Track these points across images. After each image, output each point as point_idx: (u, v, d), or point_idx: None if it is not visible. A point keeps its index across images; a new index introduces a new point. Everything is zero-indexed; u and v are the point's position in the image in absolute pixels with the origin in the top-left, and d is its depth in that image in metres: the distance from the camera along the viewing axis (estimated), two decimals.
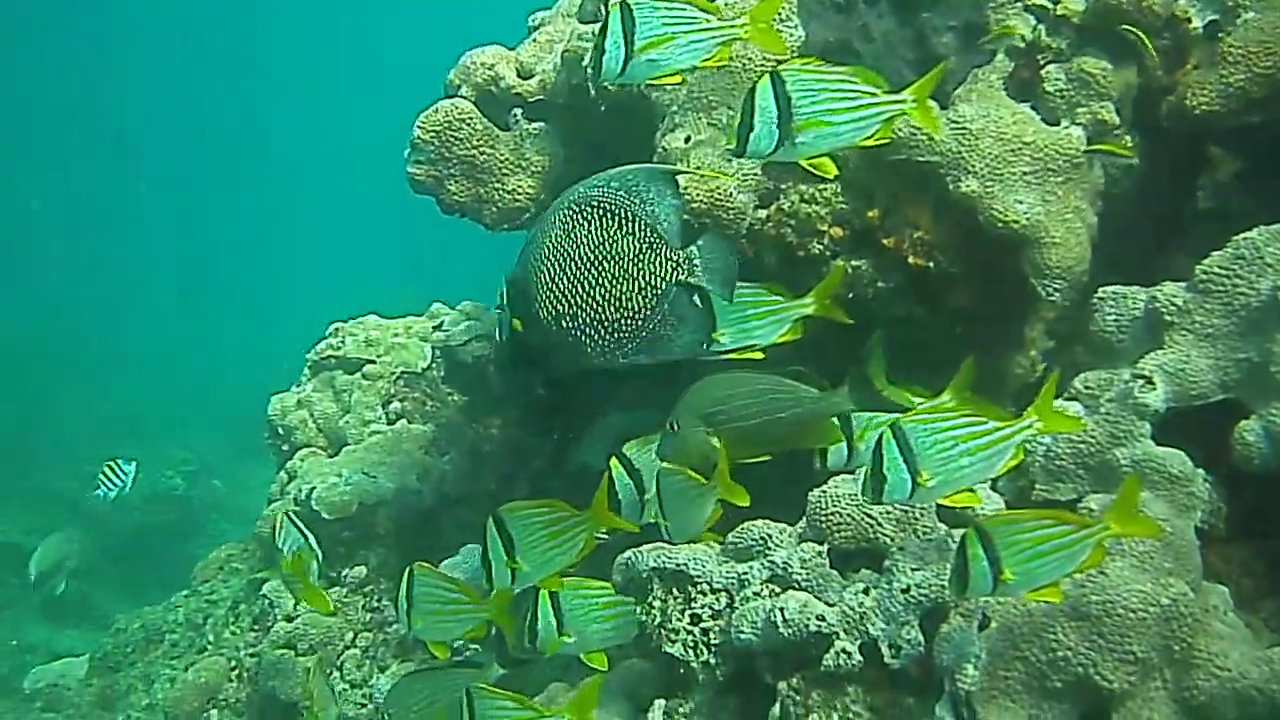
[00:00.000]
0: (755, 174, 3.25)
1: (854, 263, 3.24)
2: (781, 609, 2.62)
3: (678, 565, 2.89)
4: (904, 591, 2.58)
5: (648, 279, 2.80)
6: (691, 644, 2.84)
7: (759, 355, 2.96)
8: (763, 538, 2.83)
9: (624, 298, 2.80)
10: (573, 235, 2.80)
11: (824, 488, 2.84)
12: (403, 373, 5.19)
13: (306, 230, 22.90)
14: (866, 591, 2.63)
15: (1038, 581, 2.28)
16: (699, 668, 2.83)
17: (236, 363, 13.48)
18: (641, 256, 2.79)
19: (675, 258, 2.78)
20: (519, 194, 3.76)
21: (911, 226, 3.17)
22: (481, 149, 3.75)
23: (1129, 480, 2.37)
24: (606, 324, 2.81)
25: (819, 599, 2.65)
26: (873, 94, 2.57)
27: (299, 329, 6.52)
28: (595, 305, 2.81)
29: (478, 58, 3.87)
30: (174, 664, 5.09)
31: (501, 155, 3.76)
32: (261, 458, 6.64)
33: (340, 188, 23.47)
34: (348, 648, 4.53)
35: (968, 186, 3.05)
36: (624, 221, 2.79)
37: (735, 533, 2.92)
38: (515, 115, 3.79)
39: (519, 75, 3.81)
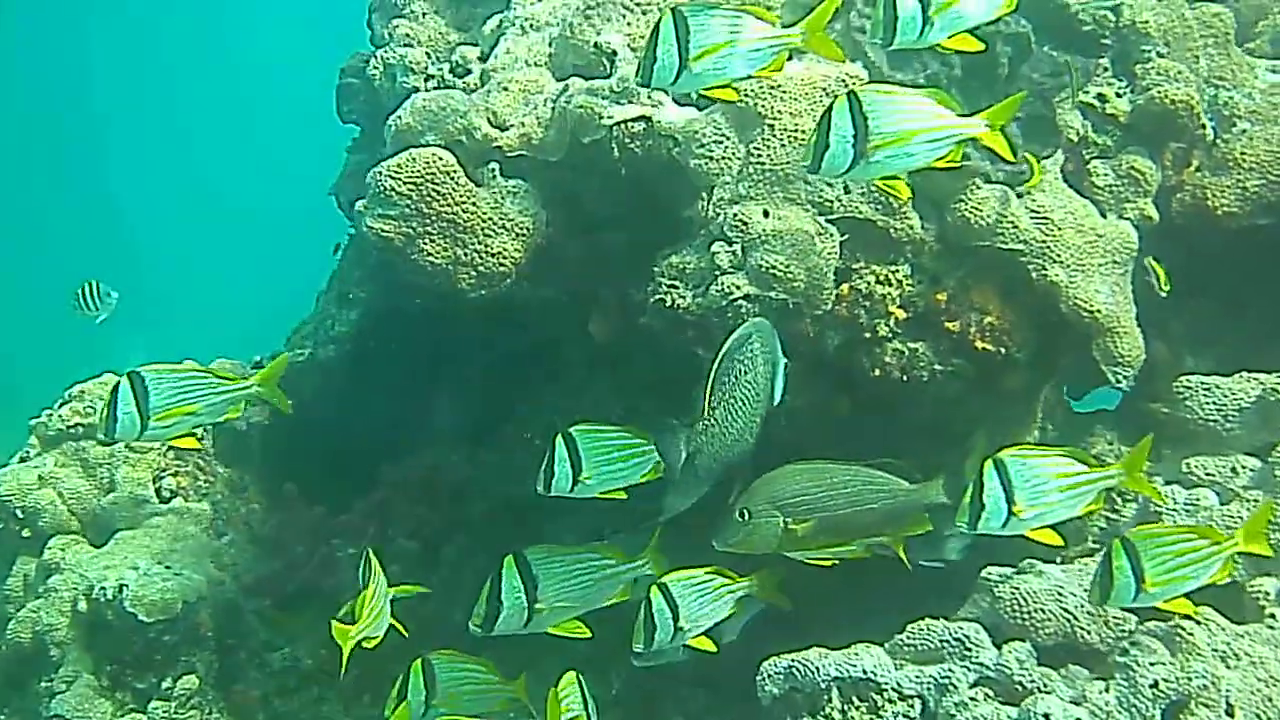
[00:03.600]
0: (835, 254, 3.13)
1: (911, 345, 3.21)
2: (1047, 713, 2.53)
3: (864, 672, 2.72)
4: (1152, 686, 2.57)
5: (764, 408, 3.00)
6: None
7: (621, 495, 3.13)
8: (957, 639, 2.72)
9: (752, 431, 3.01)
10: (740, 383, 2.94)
11: (1013, 583, 2.78)
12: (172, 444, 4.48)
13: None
14: (1106, 689, 2.60)
15: (1175, 592, 2.57)
16: None
17: None
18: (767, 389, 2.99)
19: None
20: (504, 256, 3.38)
21: (979, 311, 3.19)
22: (465, 206, 3.34)
23: (1265, 505, 2.69)
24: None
25: (1062, 701, 2.59)
26: (947, 116, 2.64)
27: None
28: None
29: (446, 102, 3.45)
30: None
31: (484, 213, 3.37)
32: None
33: None
34: None
35: (1055, 275, 3.12)
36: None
37: (908, 633, 2.79)
38: (493, 170, 3.41)
39: (491, 125, 3.43)
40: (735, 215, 3.11)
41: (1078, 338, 3.19)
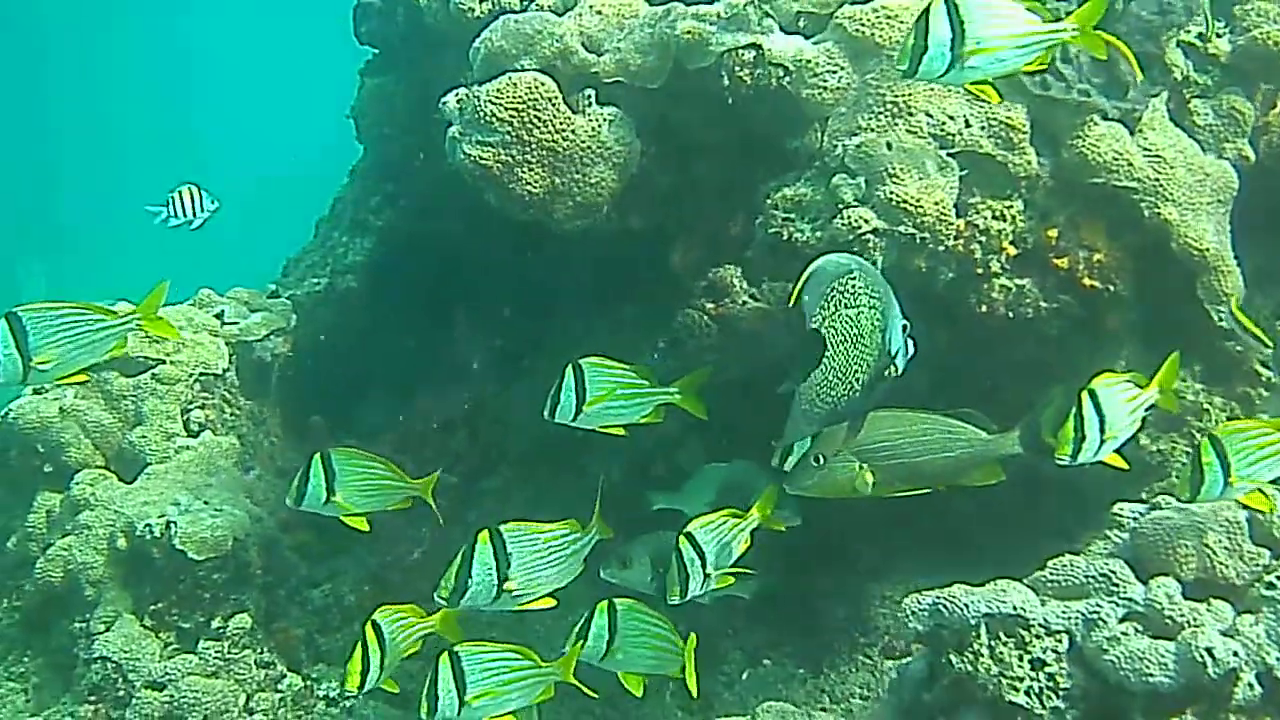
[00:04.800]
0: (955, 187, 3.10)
1: (1018, 281, 3.21)
2: (1210, 648, 2.56)
3: (1015, 608, 2.72)
4: None
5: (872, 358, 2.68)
6: (1036, 691, 2.69)
7: (620, 432, 3.18)
8: (1103, 574, 2.74)
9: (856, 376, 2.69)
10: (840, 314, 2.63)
11: (1154, 520, 2.80)
12: (201, 374, 4.31)
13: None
14: (1256, 623, 2.64)
15: (1256, 485, 2.65)
16: (1049, 714, 2.69)
17: None
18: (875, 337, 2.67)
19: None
20: (602, 186, 3.29)
21: (1087, 249, 3.20)
22: (564, 134, 3.25)
23: None
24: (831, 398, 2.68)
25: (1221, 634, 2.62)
26: (1037, 20, 2.58)
27: None
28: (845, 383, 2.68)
29: (541, 25, 3.33)
30: None
31: (582, 142, 3.27)
32: None
33: None
34: (243, 714, 3.75)
35: (1167, 213, 3.14)
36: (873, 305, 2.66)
37: (1050, 569, 2.81)
38: (589, 97, 3.31)
39: (586, 50, 3.33)
40: (859, 146, 3.06)
41: (1181, 275, 3.21)
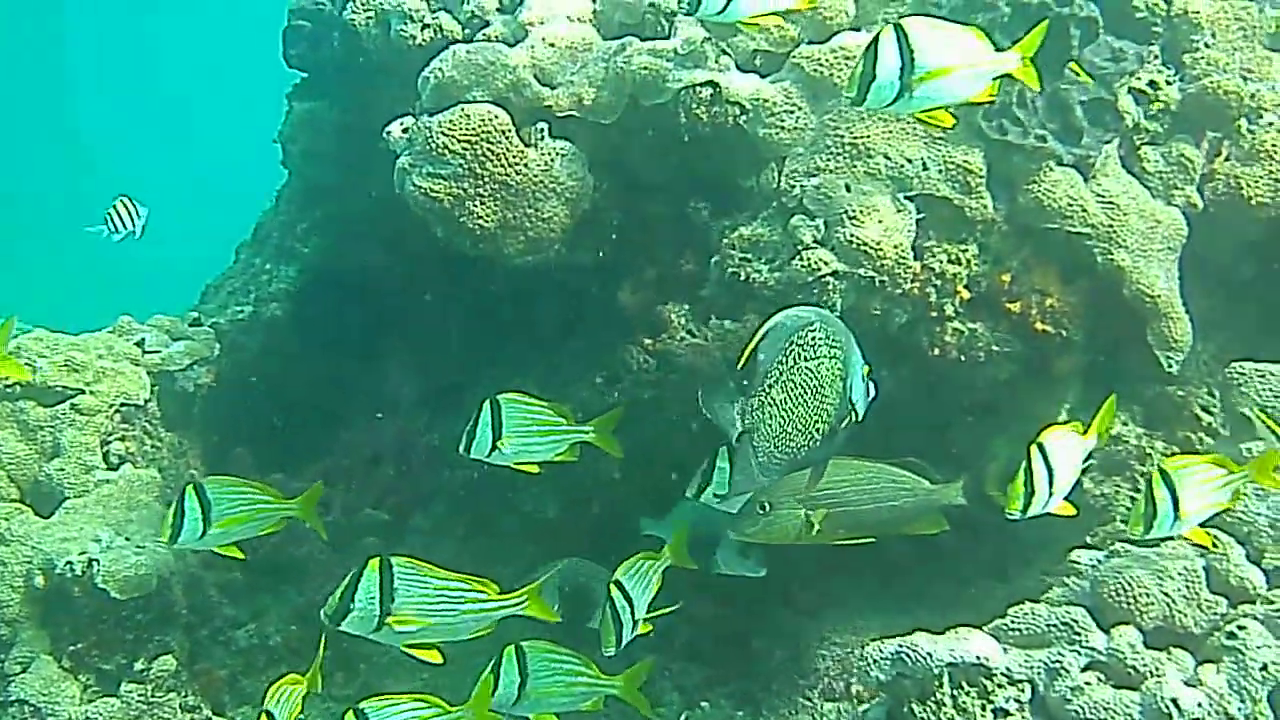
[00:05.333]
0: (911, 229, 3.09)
1: (970, 325, 3.20)
2: (1175, 699, 2.55)
3: (978, 657, 2.70)
4: (1262, 669, 2.62)
5: (833, 407, 2.64)
6: None
7: (534, 469, 3.15)
8: (1065, 623, 2.73)
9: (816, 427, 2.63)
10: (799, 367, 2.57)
11: (1114, 568, 2.80)
12: (122, 404, 4.16)
13: None
14: (1217, 672, 2.64)
15: (1201, 519, 2.67)
16: None
17: None
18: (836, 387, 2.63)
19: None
20: (554, 222, 3.23)
21: (1040, 293, 3.20)
22: (517, 168, 3.18)
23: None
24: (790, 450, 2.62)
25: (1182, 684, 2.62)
26: (987, 50, 2.58)
27: None
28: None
29: (494, 56, 3.26)
30: None
31: (534, 176, 3.21)
32: None
33: None
34: None
35: (1120, 259, 3.15)
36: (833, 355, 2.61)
37: (1010, 616, 2.79)
38: (541, 130, 3.25)
39: (540, 83, 3.27)
40: (818, 188, 3.04)
41: (1132, 322, 3.22)
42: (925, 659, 2.72)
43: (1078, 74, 3.18)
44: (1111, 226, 3.15)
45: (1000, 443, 3.28)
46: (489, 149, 3.15)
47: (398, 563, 2.82)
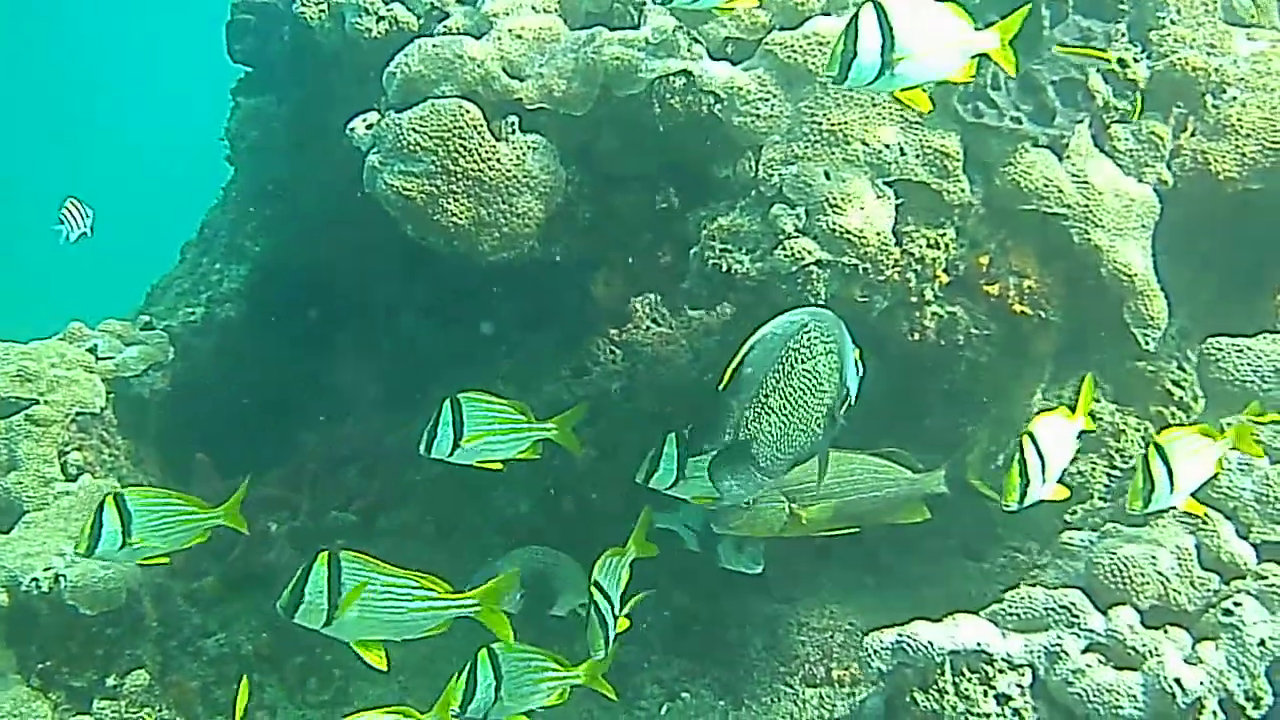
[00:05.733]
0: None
1: (949, 309, 3.20)
2: (1178, 678, 2.56)
3: (978, 645, 2.69)
4: (1260, 645, 2.64)
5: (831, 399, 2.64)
6: None
7: (498, 467, 3.12)
8: (1063, 606, 2.73)
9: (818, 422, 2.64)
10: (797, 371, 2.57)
11: (1110, 550, 2.81)
12: (78, 413, 4.05)
13: None
14: (1216, 649, 2.66)
15: (1193, 489, 2.71)
16: None
17: None
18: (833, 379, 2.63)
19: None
20: (529, 217, 3.18)
21: (1018, 275, 3.20)
22: (490, 163, 3.12)
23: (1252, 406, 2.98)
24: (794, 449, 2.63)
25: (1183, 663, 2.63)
26: (966, 29, 2.58)
27: None
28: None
29: (461, 49, 3.20)
30: None
31: (507, 171, 3.15)
32: None
33: None
34: None
35: (1097, 239, 3.15)
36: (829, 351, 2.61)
37: (1008, 601, 2.79)
38: (512, 124, 3.19)
39: (509, 75, 3.22)
40: (796, 176, 3.01)
41: (1108, 300, 3.23)
42: (927, 647, 2.71)
43: (1087, 53, 3.18)
44: (1088, 206, 3.16)
45: (980, 431, 3.29)
46: (461, 145, 3.09)
47: (345, 557, 2.79)
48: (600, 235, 3.38)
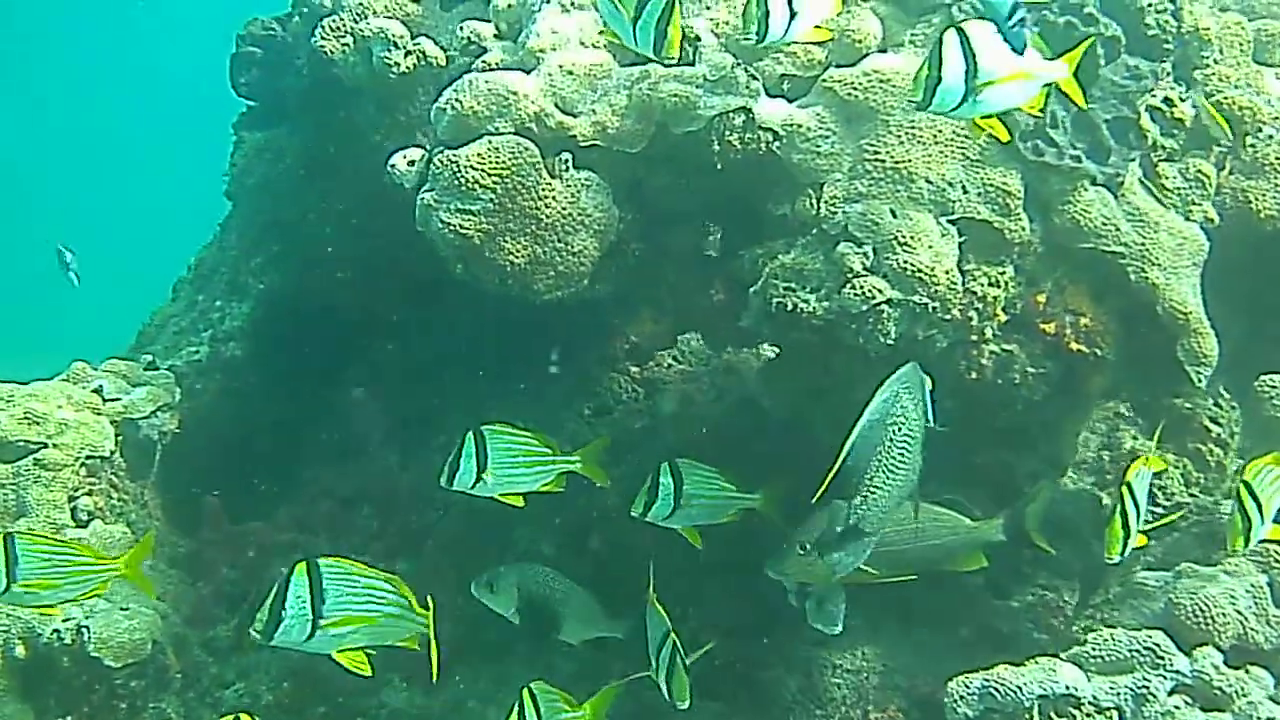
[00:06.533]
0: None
1: (1005, 346, 3.18)
2: (1272, 717, 2.56)
3: (1066, 688, 2.67)
4: None
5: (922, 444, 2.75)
6: None
7: (519, 502, 3.08)
8: (1147, 648, 2.71)
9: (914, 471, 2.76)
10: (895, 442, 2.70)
11: (1191, 590, 2.79)
12: (87, 457, 3.92)
13: None
14: None
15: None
16: None
17: None
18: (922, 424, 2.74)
19: None
20: (584, 255, 3.12)
21: (1073, 313, 3.19)
22: (547, 200, 3.07)
23: None
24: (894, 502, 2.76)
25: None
26: (1038, 58, 2.62)
27: None
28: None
29: (516, 85, 3.13)
30: None
31: (563, 209, 3.10)
32: None
33: None
34: None
35: (1154, 277, 3.15)
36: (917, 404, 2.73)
37: (1090, 644, 2.76)
38: (565, 161, 3.13)
39: (561, 112, 3.16)
40: (862, 214, 2.98)
41: (1161, 338, 3.23)
42: (1015, 693, 2.68)
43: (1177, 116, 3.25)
44: (1144, 245, 3.16)
45: (1045, 486, 3.27)
46: (520, 182, 3.03)
47: (324, 563, 2.67)
48: (649, 272, 3.33)
